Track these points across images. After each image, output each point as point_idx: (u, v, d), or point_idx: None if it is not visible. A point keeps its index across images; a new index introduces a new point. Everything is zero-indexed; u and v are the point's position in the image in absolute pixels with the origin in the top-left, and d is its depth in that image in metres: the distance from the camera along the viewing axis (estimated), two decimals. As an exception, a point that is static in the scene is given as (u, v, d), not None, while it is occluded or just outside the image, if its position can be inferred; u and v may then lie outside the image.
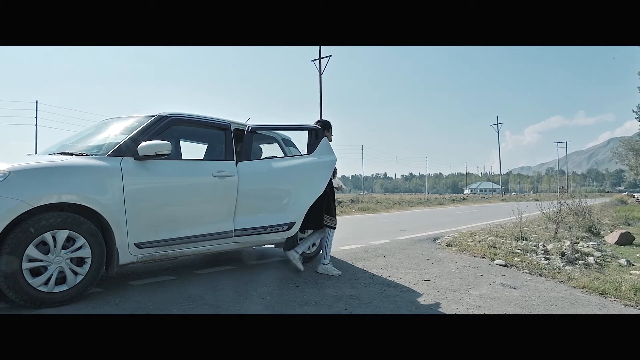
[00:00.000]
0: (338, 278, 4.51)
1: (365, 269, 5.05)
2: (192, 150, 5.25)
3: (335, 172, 4.79)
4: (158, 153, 3.37)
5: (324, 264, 4.62)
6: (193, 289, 3.78)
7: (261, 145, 5.24)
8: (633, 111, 34.11)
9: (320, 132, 4.79)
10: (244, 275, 4.36)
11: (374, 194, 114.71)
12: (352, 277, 4.62)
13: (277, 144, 5.13)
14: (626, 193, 54.38)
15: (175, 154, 4.36)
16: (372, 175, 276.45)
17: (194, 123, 4.15)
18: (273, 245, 5.00)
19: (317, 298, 3.78)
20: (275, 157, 4.88)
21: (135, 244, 3.34)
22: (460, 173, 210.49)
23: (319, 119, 4.55)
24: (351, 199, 25.22)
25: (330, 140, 4.78)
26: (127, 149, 3.40)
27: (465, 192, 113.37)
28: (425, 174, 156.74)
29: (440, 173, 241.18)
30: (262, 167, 4.54)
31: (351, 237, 7.68)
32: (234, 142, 4.37)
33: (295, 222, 4.46)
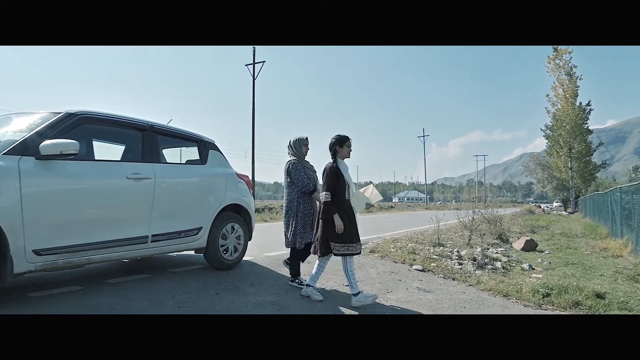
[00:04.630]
0: (260, 285, 4.46)
1: (288, 275, 5.04)
2: (117, 152, 4.96)
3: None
4: (63, 152, 3.10)
5: (354, 295, 3.93)
6: (102, 299, 3.54)
7: (179, 149, 5.18)
8: (541, 129, 37.58)
9: (208, 144, 5.02)
10: (160, 283, 4.15)
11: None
12: (274, 283, 4.59)
13: (196, 148, 4.97)
14: (534, 204, 59.63)
15: (87, 155, 4.08)
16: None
17: (108, 122, 3.90)
18: (193, 252, 4.83)
19: (237, 305, 3.71)
20: (189, 161, 4.92)
21: (33, 250, 3.03)
22: (389, 182, 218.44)
23: (338, 134, 4.03)
24: (282, 206, 25.16)
25: (348, 157, 4.07)
26: (27, 148, 3.08)
27: (393, 201, 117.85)
28: (356, 182, 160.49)
29: (370, 181, 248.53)
30: (177, 171, 4.57)
31: (277, 243, 7.64)
32: (153, 143, 4.20)
33: (202, 227, 4.56)
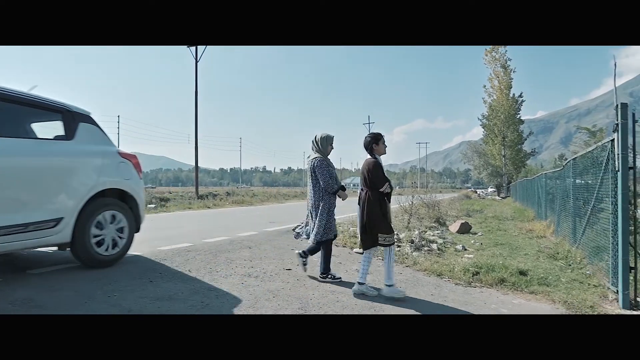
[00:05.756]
0: (198, 271, 4.36)
1: (228, 260, 4.97)
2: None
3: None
4: None
5: (387, 286, 3.94)
6: (22, 291, 3.30)
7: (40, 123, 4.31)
8: (478, 118, 39.54)
9: (78, 116, 4.17)
10: (89, 273, 3.94)
11: (252, 187, 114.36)
12: (213, 269, 4.50)
13: (60, 122, 4.10)
14: (471, 189, 62.89)
15: None
16: (251, 168, 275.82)
17: None
18: (57, 248, 4.11)
19: (172, 292, 3.60)
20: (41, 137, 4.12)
21: None
22: (336, 168, 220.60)
23: (371, 132, 4.03)
24: (227, 192, 24.77)
25: (384, 153, 4.03)
26: None
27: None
28: (303, 168, 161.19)
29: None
30: (23, 148, 3.67)
31: (219, 230, 7.52)
32: None
33: (63, 218, 3.74)
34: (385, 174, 3.95)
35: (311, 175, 4.42)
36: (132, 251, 5.03)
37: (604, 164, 4.58)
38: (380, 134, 4.02)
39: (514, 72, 36.56)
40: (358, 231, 4.02)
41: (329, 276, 4.41)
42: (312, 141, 4.45)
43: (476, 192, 44.33)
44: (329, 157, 4.47)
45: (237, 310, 3.25)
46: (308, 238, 4.42)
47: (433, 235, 7.76)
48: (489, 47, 37.20)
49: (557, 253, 6.33)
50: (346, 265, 5.18)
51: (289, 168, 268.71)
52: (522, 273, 4.86)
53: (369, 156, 3.99)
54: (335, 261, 5.33)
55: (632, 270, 3.93)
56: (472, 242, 7.90)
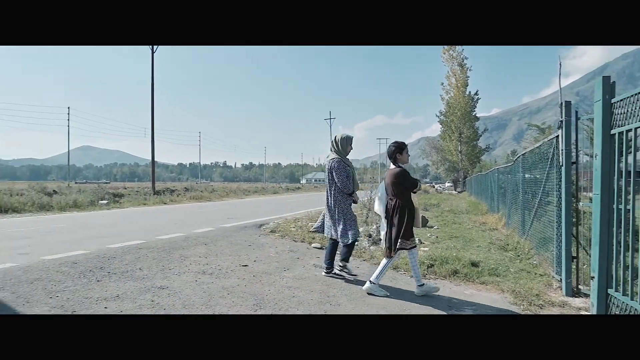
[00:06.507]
0: (150, 269, 4.20)
1: (182, 257, 4.83)
2: None
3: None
4: None
5: (371, 282, 3.94)
6: (-48, 292, 3.06)
7: None
8: (436, 115, 40.57)
9: None
10: (30, 272, 3.71)
11: (212, 182, 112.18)
12: (165, 267, 4.36)
13: None
14: (429, 184, 64.53)
15: None
16: (211, 163, 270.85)
17: None
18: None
19: (120, 291, 3.45)
20: None
21: None
22: (297, 164, 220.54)
23: (395, 141, 4.03)
24: (185, 188, 24.17)
25: (407, 162, 4.03)
26: None
27: (301, 182, 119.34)
28: (264, 163, 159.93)
29: (279, 163, 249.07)
30: None
31: (174, 226, 7.30)
32: None
33: None
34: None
35: (328, 175, 4.47)
36: (79, 250, 4.80)
37: (549, 159, 4.78)
38: (404, 143, 4.04)
39: (470, 70, 37.72)
40: (384, 238, 4.07)
41: (346, 270, 4.67)
42: (332, 142, 4.51)
43: (434, 187, 45.61)
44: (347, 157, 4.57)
45: (189, 309, 3.15)
46: (323, 232, 4.62)
47: (391, 229, 7.87)
48: (446, 46, 38.18)
49: (507, 244, 6.59)
50: (304, 260, 5.16)
51: (250, 163, 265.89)
52: (474, 264, 5.01)
53: (392, 165, 3.99)
54: (293, 256, 5.30)
55: (574, 260, 4.14)
56: (429, 235, 8.09)
